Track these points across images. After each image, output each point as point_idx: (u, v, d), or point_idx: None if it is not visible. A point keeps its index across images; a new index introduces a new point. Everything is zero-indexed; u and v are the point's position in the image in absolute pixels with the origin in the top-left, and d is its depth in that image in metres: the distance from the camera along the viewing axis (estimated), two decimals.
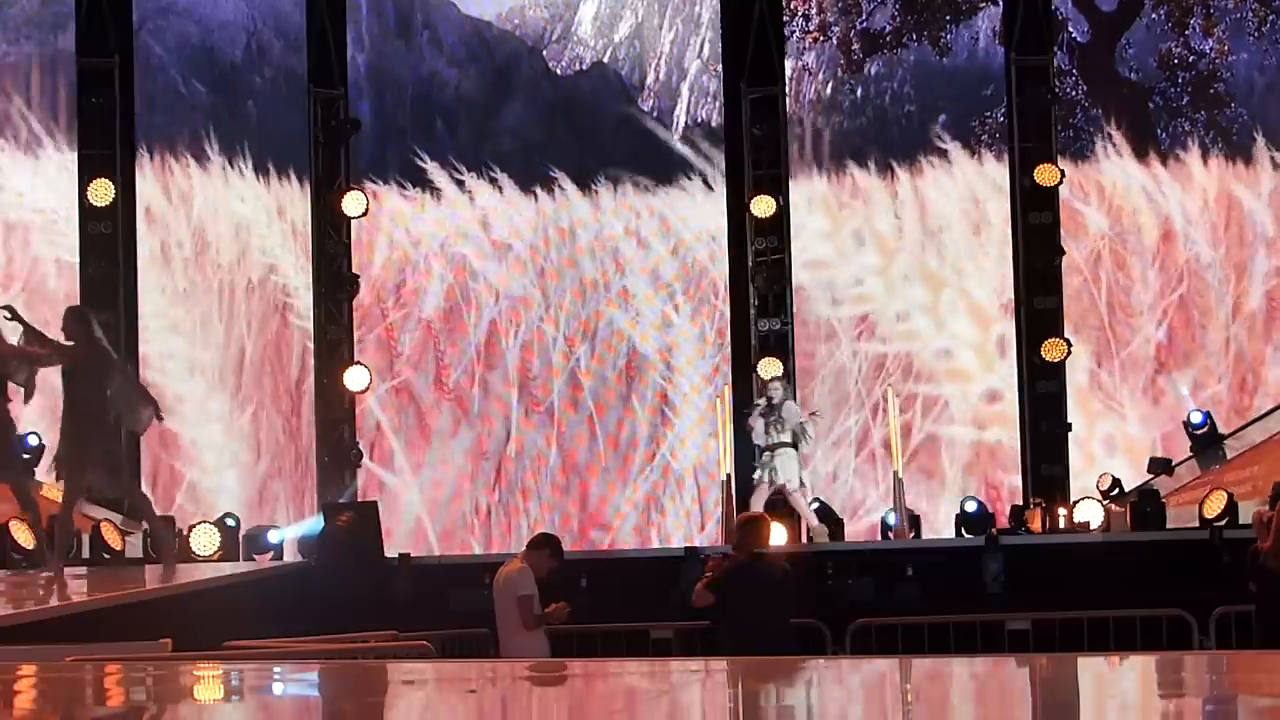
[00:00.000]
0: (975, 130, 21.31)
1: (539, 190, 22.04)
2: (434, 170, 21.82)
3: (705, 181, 21.74)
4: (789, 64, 21.18)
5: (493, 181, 21.98)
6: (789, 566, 12.38)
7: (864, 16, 21.69)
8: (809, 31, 21.79)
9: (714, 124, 21.95)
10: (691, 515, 21.57)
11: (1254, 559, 12.85)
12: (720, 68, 21.10)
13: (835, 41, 21.81)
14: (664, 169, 22.00)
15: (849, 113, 21.97)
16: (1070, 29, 21.68)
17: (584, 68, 22.64)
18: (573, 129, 22.37)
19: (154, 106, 20.73)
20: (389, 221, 21.53)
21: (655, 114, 22.48)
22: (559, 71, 22.62)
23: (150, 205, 20.40)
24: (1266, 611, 12.92)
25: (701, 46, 22.50)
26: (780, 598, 12.08)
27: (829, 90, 21.96)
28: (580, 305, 22.06)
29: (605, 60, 22.62)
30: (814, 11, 21.71)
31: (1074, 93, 21.63)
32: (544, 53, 22.65)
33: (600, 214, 22.15)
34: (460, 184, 21.85)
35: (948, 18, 21.58)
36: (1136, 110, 21.64)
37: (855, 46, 21.77)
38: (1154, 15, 21.70)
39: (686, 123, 22.38)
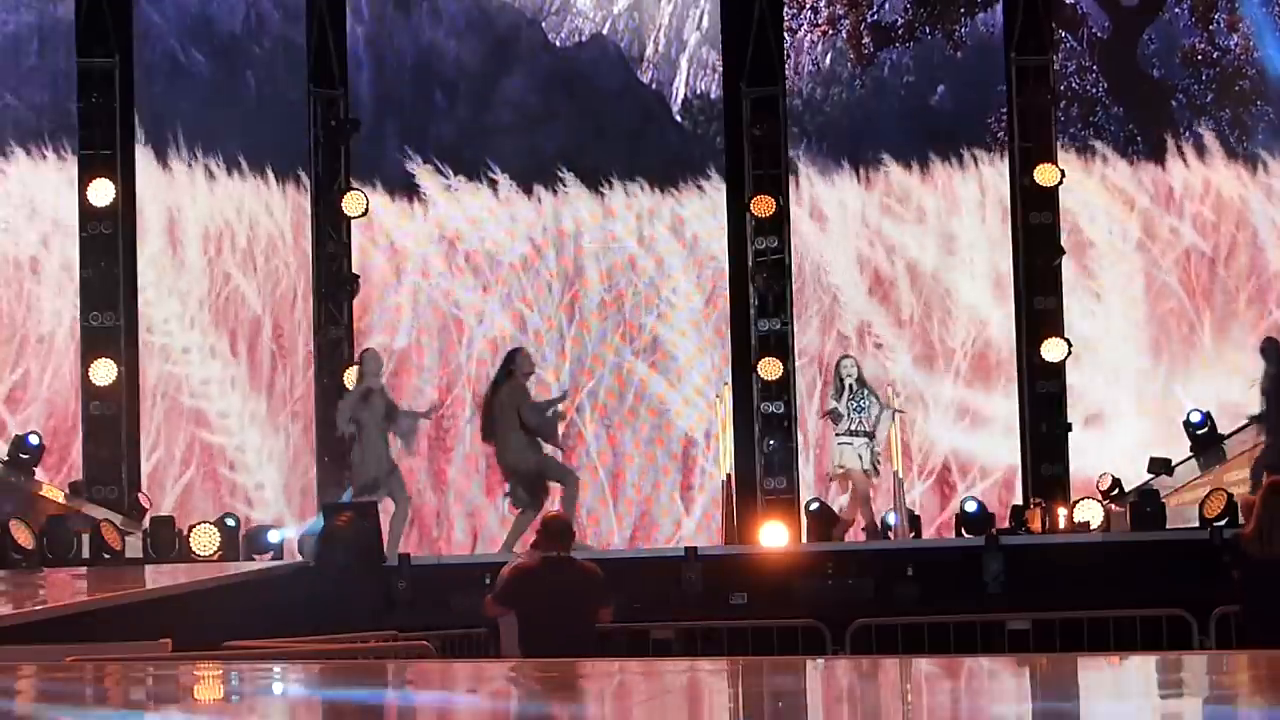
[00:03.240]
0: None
1: (536, 190, 22.03)
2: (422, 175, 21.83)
3: (705, 160, 21.71)
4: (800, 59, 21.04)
5: (493, 184, 21.96)
6: (589, 571, 12.28)
7: (874, 9, 21.49)
8: (817, 25, 21.65)
9: (713, 96, 21.92)
10: (693, 515, 21.59)
11: (1236, 546, 12.79)
12: (721, 56, 20.99)
13: (845, 35, 21.64)
14: (663, 144, 21.94)
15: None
16: (1090, 24, 21.45)
17: (583, 39, 22.63)
18: (572, 101, 22.37)
19: (154, 76, 20.70)
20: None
21: (654, 85, 22.46)
22: (558, 43, 22.60)
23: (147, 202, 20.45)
24: (1248, 599, 12.87)
25: (700, 18, 22.48)
26: (574, 603, 12.07)
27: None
28: (577, 307, 22.06)
29: (604, 32, 22.61)
30: (822, 4, 21.56)
31: (1094, 90, 21.37)
32: (543, 24, 22.63)
33: (600, 214, 22.14)
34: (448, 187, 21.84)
35: (961, 9, 21.33)
36: (1158, 108, 21.37)
37: (865, 40, 21.61)
38: (1177, 10, 21.44)
39: (685, 95, 22.36)
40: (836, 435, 17.08)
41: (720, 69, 20.99)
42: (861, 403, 16.99)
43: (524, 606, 12.09)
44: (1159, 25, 21.59)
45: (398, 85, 22.23)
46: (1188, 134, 21.42)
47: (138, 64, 19.46)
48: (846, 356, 17.56)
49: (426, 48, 22.35)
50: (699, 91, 22.35)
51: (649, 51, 22.58)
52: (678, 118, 22.44)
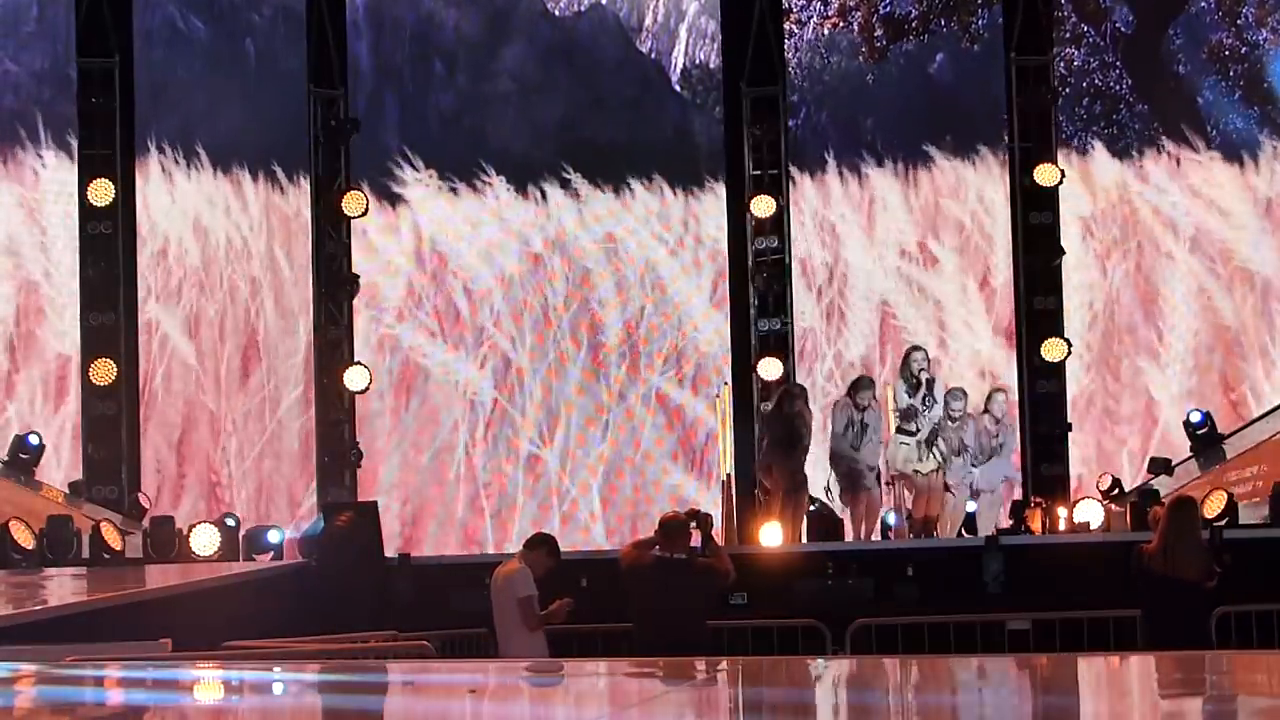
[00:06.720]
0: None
1: (532, 190, 22.02)
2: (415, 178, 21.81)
3: (703, 133, 21.66)
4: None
5: (488, 185, 21.94)
6: (697, 569, 12.56)
7: (886, 1, 21.20)
8: (828, 16, 21.46)
9: (712, 66, 21.87)
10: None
11: (1140, 560, 12.81)
12: (720, 30, 20.86)
13: (856, 27, 21.40)
14: (662, 115, 21.88)
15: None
16: (1113, 18, 21.19)
17: (582, 9, 22.60)
18: (571, 70, 22.33)
19: (153, 43, 20.66)
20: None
21: (653, 55, 22.41)
22: (557, 13, 22.58)
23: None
24: (1151, 613, 12.91)
25: None
26: (683, 603, 12.24)
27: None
28: (580, 303, 22.07)
29: (603, 1, 22.58)
30: None
31: (1118, 87, 21.07)
32: None
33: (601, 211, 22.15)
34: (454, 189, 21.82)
35: (979, 2, 21.02)
36: (1184, 105, 21.02)
37: (878, 32, 21.38)
38: (1203, 4, 21.12)
39: (685, 65, 22.31)
40: (897, 432, 16.87)
41: (720, 39, 20.86)
42: (928, 400, 16.73)
43: (635, 603, 12.45)
44: (1184, 20, 21.24)
45: (396, 54, 22.18)
46: (1214, 132, 21.21)
47: (138, 33, 19.38)
48: (918, 349, 17.16)
49: (425, 17, 22.32)
50: (698, 61, 22.29)
51: (648, 21, 22.52)
52: (676, 87, 22.41)
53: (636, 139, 22.20)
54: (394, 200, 22.17)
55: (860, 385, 16.84)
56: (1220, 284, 21.68)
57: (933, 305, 21.83)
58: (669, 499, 21.42)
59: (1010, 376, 19.99)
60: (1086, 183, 21.76)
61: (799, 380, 19.35)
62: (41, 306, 21.18)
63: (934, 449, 16.70)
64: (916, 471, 16.74)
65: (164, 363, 21.03)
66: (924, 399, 16.67)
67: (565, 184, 22.19)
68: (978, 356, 21.72)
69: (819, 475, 17.13)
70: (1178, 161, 21.28)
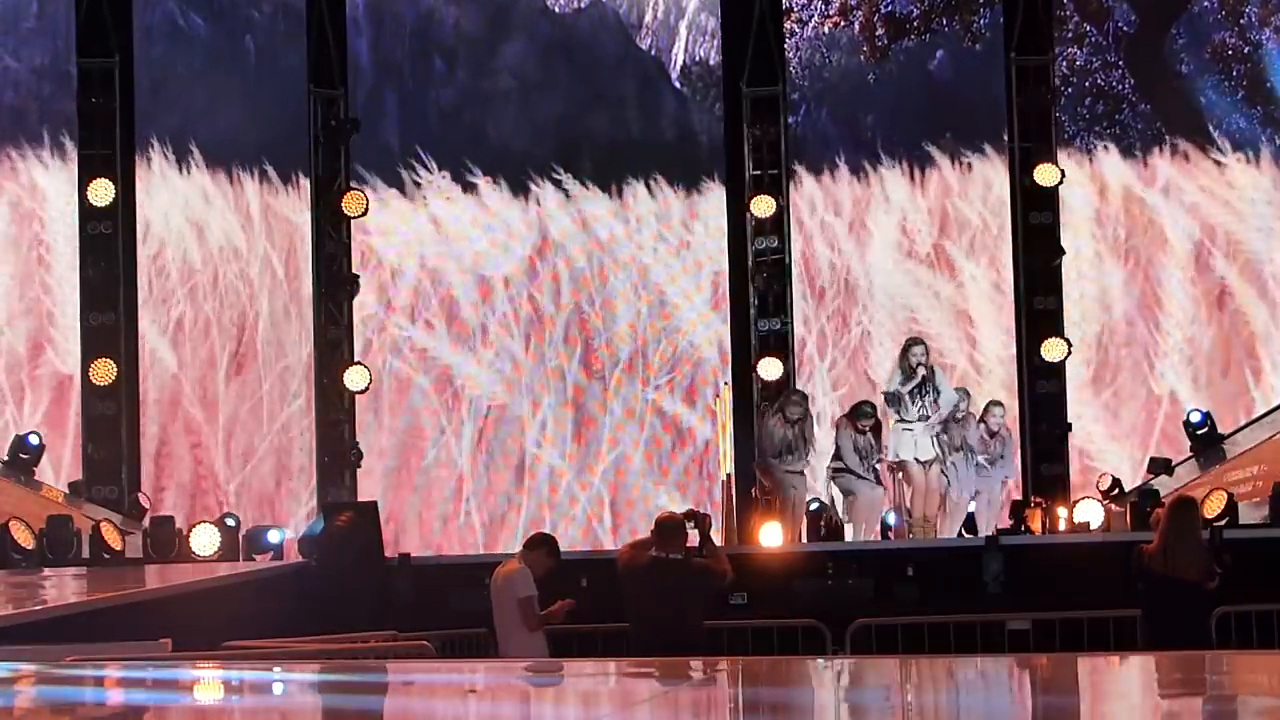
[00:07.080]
0: None
1: (534, 192, 22.01)
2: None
3: (703, 129, 21.65)
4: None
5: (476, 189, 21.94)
6: (693, 570, 12.52)
7: (888, 0, 21.15)
8: (829, 15, 21.42)
9: (712, 62, 21.85)
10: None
11: (1140, 560, 12.86)
12: (720, 27, 20.84)
13: (857, 26, 21.34)
14: (662, 111, 21.88)
15: None
16: (1116, 18, 21.12)
17: (582, 6, 22.60)
18: (571, 67, 22.32)
19: (153, 39, 20.65)
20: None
21: (653, 52, 22.39)
22: (557, 10, 22.57)
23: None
24: (1151, 612, 12.95)
25: None
26: (679, 603, 12.23)
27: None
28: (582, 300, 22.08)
29: None
30: None
31: (1120, 86, 21.00)
32: None
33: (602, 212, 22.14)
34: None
35: (981, 0, 20.96)
36: (1186, 105, 20.96)
37: (879, 31, 21.33)
38: (1205, 3, 21.05)
39: (685, 61, 22.30)
40: (898, 422, 16.81)
41: (720, 35, 20.84)
42: (927, 388, 16.66)
43: (631, 603, 12.43)
44: (1187, 19, 21.16)
45: (396, 51, 22.17)
46: (1217, 132, 21.15)
47: (137, 28, 19.37)
48: (918, 343, 17.06)
49: (425, 13, 22.31)
50: (698, 58, 22.27)
51: (648, 18, 22.51)
52: (677, 84, 22.40)
53: (636, 136, 22.20)
54: (393, 198, 22.18)
55: (861, 414, 16.83)
56: (1226, 283, 21.69)
57: (936, 300, 21.84)
58: (667, 499, 21.44)
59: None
60: (1089, 183, 21.75)
61: (806, 381, 19.38)
62: (18, 304, 21.19)
63: (934, 441, 16.69)
64: (915, 459, 16.71)
65: (156, 365, 21.03)
66: (915, 389, 16.66)
67: (564, 183, 22.19)
68: (979, 353, 21.72)
69: (820, 490, 17.18)
70: (1186, 156, 21.29)
